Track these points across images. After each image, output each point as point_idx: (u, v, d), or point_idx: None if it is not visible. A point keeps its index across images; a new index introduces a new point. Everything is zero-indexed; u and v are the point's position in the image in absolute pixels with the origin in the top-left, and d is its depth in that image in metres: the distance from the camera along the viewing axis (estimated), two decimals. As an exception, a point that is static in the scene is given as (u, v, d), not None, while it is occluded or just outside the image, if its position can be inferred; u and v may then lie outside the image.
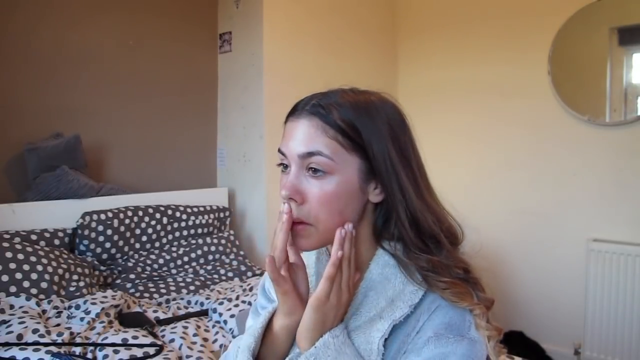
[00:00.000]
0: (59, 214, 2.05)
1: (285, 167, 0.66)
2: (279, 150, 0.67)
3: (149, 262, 2.19)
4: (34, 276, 1.74)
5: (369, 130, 0.64)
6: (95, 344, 1.44)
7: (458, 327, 0.62)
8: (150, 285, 2.04)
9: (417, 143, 0.70)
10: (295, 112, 0.67)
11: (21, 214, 1.98)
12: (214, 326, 1.72)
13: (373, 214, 0.69)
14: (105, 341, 1.46)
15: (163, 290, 2.01)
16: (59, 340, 1.44)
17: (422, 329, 0.62)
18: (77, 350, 1.40)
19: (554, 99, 2.63)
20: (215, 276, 2.23)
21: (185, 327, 1.64)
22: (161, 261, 2.21)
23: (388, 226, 0.67)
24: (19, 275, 1.72)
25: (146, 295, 1.97)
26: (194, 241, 2.37)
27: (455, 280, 0.64)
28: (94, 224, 2.05)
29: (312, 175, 0.63)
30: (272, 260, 0.63)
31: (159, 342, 1.50)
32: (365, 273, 0.68)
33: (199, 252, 2.32)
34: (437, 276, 0.63)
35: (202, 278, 2.18)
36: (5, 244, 1.77)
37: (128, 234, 2.16)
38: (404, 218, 0.64)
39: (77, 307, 1.68)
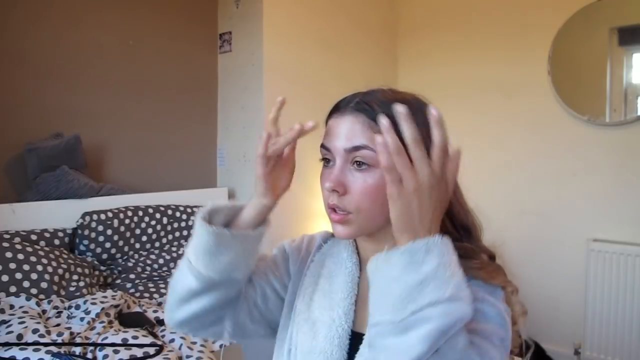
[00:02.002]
0: (59, 214, 2.05)
1: (327, 161, 0.69)
2: (323, 146, 0.69)
3: (149, 262, 2.18)
4: (34, 276, 1.74)
5: None
6: (95, 344, 1.44)
7: (491, 294, 0.63)
8: (150, 285, 2.04)
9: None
10: (338, 109, 0.69)
11: (21, 214, 1.98)
12: (214, 326, 1.71)
13: None
14: (105, 341, 1.46)
15: (163, 290, 2.01)
16: (59, 340, 1.44)
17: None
18: (77, 350, 1.40)
19: (554, 99, 2.63)
20: (215, 276, 2.22)
21: (185, 327, 1.64)
22: (161, 261, 2.21)
23: None
24: (19, 275, 1.72)
25: (146, 295, 1.96)
26: (194, 241, 2.37)
27: (486, 261, 0.66)
28: (94, 224, 2.05)
29: (357, 169, 0.66)
30: (268, 138, 0.67)
31: (159, 342, 1.50)
32: None
33: (199, 252, 2.32)
34: (469, 260, 0.65)
35: (202, 278, 2.18)
36: (5, 244, 1.77)
37: (128, 234, 2.16)
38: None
39: (77, 307, 1.68)
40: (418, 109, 0.67)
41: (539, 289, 2.74)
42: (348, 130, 0.66)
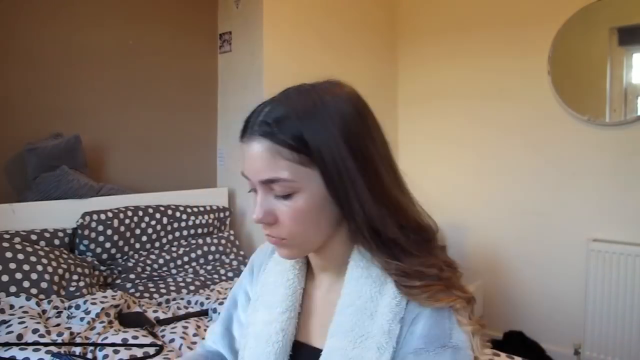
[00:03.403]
0: (59, 214, 2.05)
1: (254, 189, 0.67)
2: (243, 174, 0.67)
3: (149, 262, 2.18)
4: (34, 276, 1.74)
5: (319, 139, 0.61)
6: (95, 344, 1.44)
7: (438, 338, 0.60)
8: (150, 285, 2.04)
9: (382, 129, 0.68)
10: (246, 131, 0.66)
11: (21, 214, 1.97)
12: (214, 326, 1.72)
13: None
14: (105, 341, 1.46)
15: (163, 290, 2.01)
16: (59, 340, 1.43)
17: (403, 343, 0.61)
18: (77, 350, 1.40)
19: (554, 99, 2.63)
20: (215, 276, 2.23)
21: (185, 327, 1.64)
22: (161, 261, 2.21)
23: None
24: (19, 275, 1.72)
25: (146, 295, 1.96)
26: (194, 241, 2.37)
27: (428, 282, 0.62)
28: (94, 224, 2.05)
29: (280, 197, 0.63)
30: None
31: (159, 342, 1.50)
32: (345, 275, 0.67)
33: (199, 252, 2.32)
34: (409, 281, 0.62)
35: (202, 278, 2.18)
36: (5, 244, 1.77)
37: (128, 234, 2.16)
38: (364, 229, 0.62)
39: (77, 307, 1.68)
40: (332, 106, 0.64)
41: (539, 289, 2.74)
42: (259, 162, 0.63)
